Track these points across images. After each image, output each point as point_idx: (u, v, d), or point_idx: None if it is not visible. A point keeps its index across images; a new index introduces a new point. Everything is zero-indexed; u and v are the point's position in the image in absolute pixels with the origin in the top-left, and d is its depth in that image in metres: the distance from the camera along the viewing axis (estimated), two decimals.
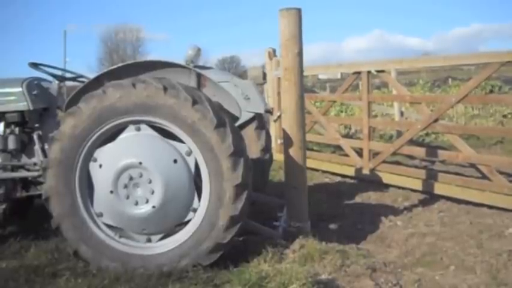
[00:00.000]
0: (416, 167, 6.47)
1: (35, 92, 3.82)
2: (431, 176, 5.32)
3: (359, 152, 6.25)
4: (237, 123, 3.52)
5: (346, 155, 6.59)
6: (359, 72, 6.08)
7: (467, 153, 4.97)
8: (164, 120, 2.88)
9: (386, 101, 9.66)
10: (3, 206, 3.71)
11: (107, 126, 2.93)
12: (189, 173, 2.92)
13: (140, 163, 2.88)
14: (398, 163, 6.53)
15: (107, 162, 2.95)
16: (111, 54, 43.99)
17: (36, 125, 3.86)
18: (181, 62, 3.51)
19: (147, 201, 2.90)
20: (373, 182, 5.83)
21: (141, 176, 2.90)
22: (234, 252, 3.07)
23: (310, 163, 5.90)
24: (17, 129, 3.79)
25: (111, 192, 2.91)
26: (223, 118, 2.90)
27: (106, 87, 2.92)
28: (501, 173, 5.01)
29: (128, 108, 2.88)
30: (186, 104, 2.83)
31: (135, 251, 2.99)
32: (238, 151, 2.87)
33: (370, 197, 5.40)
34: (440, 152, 5.78)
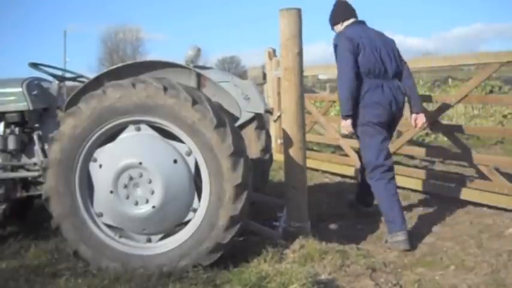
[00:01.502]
0: (416, 167, 6.47)
1: (35, 92, 3.82)
2: (431, 176, 5.32)
3: (359, 152, 6.23)
4: (237, 124, 3.52)
5: (346, 155, 6.59)
6: None
7: (467, 154, 4.97)
8: (164, 120, 2.88)
9: None
10: (3, 206, 3.71)
11: (107, 126, 2.93)
12: (189, 173, 2.92)
13: (140, 163, 2.89)
14: (398, 163, 6.52)
15: (107, 162, 2.95)
16: (111, 54, 44.01)
17: (36, 125, 3.86)
18: (181, 62, 3.51)
19: (147, 201, 2.90)
20: None
21: (141, 176, 2.90)
22: (234, 253, 3.07)
23: (310, 163, 5.90)
24: (17, 130, 3.79)
25: (111, 192, 2.91)
26: (223, 118, 2.90)
27: (106, 88, 2.93)
28: (501, 173, 5.01)
29: (127, 108, 2.88)
30: (186, 104, 2.83)
31: (135, 251, 2.99)
32: (238, 151, 2.88)
33: None
34: (440, 152, 5.78)
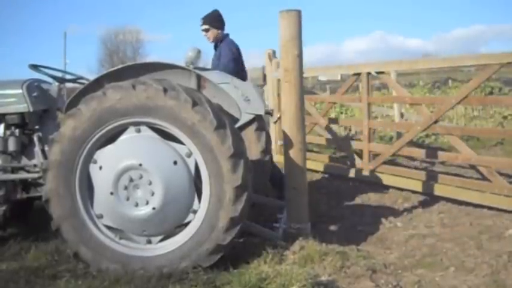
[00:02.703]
0: (416, 168, 6.48)
1: (35, 94, 3.83)
2: (431, 177, 5.32)
3: (359, 154, 6.24)
4: (237, 125, 3.52)
5: (347, 157, 6.59)
6: (359, 74, 6.09)
7: (467, 155, 4.97)
8: (164, 121, 2.88)
9: (386, 103, 9.67)
10: (3, 208, 3.72)
11: (107, 128, 2.94)
12: (189, 174, 2.92)
13: (140, 165, 2.89)
14: (398, 164, 6.53)
15: (107, 163, 2.95)
16: (111, 56, 44.03)
17: (36, 127, 3.87)
18: (182, 63, 3.51)
19: (147, 203, 2.90)
20: (373, 184, 5.82)
21: (141, 177, 2.90)
22: (234, 254, 3.07)
23: (310, 164, 5.90)
24: (17, 131, 3.79)
25: (111, 193, 2.91)
26: (223, 120, 2.90)
27: (106, 89, 2.93)
28: (501, 174, 5.01)
29: (127, 110, 2.89)
30: (186, 105, 2.83)
31: (135, 253, 2.99)
32: (238, 153, 2.88)
33: (370, 199, 5.40)
34: (440, 153, 5.78)
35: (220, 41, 4.83)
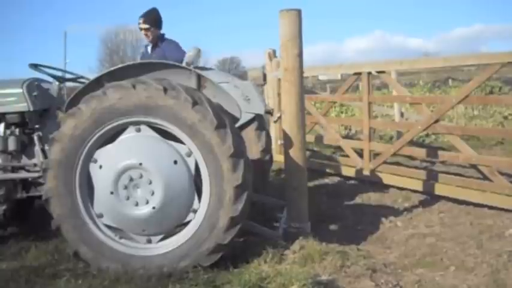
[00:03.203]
0: (416, 167, 6.47)
1: (35, 93, 3.83)
2: (431, 177, 5.32)
3: (359, 153, 6.24)
4: (237, 124, 3.52)
5: (347, 156, 6.59)
6: (359, 73, 6.08)
7: (467, 154, 4.97)
8: (164, 121, 2.88)
9: (386, 102, 9.66)
10: (4, 207, 3.72)
11: (107, 127, 2.94)
12: (189, 174, 2.92)
13: (140, 164, 2.89)
14: (398, 164, 6.52)
15: (107, 163, 2.95)
16: (111, 55, 43.96)
17: (37, 126, 3.87)
18: (182, 63, 3.51)
19: (147, 202, 2.90)
20: (374, 183, 5.82)
21: (141, 177, 2.90)
22: (234, 253, 3.07)
23: (310, 164, 5.88)
24: (17, 130, 3.80)
25: (112, 193, 2.91)
26: (224, 119, 2.90)
27: (106, 88, 2.93)
28: (501, 173, 5.01)
29: (128, 109, 2.89)
30: (186, 105, 2.83)
31: (135, 252, 2.99)
32: (239, 152, 2.88)
33: (371, 198, 5.39)
34: (440, 152, 5.77)
35: (161, 40, 4.84)
